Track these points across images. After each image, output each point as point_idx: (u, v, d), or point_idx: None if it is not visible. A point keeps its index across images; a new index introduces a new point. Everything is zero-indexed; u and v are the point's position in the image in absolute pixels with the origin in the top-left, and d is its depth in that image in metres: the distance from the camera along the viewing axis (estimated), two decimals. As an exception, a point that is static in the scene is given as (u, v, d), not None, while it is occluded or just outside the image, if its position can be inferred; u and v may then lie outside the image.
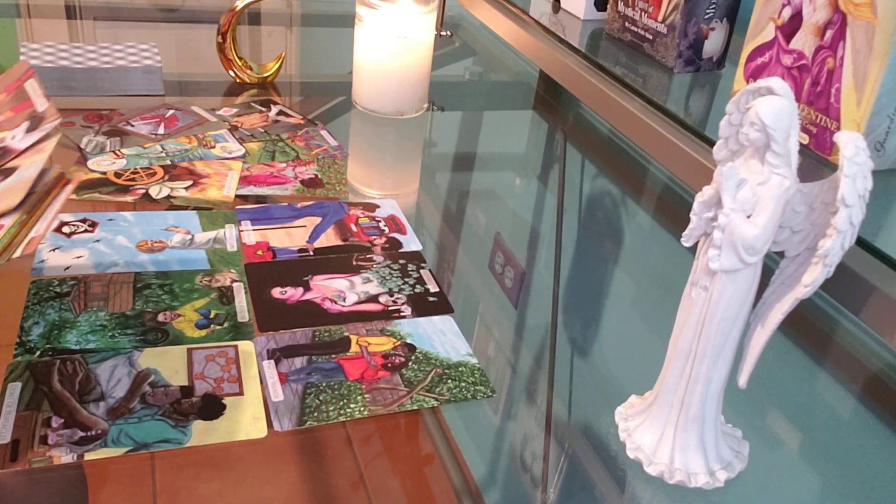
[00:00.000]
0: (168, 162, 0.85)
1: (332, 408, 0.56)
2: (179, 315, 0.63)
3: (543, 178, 0.97)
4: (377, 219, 0.80)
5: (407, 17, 0.95)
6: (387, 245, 0.76)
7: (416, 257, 0.74)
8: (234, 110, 0.99)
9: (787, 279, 0.49)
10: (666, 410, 0.52)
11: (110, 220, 0.74)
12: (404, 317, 0.66)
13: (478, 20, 1.24)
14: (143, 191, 0.79)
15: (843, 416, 0.63)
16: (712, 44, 0.93)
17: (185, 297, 0.65)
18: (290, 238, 0.75)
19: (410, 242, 0.76)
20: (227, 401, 0.55)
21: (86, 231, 0.72)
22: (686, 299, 0.50)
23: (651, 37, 0.95)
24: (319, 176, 0.86)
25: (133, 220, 0.74)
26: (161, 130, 0.91)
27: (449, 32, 1.30)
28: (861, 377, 0.66)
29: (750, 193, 0.46)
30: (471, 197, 0.91)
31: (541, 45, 1.02)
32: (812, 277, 0.46)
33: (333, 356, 0.61)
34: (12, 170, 0.61)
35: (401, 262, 0.73)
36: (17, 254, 0.55)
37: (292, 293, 0.67)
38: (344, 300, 0.67)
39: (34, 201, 0.59)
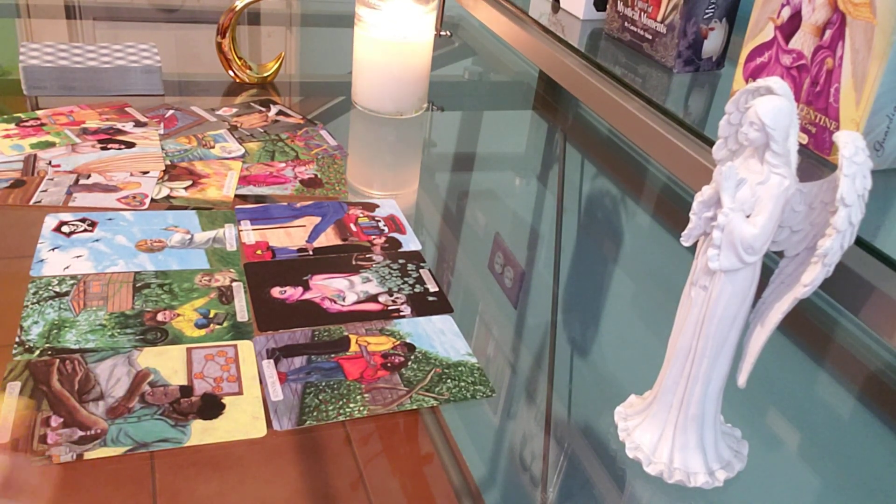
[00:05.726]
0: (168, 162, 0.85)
1: (331, 407, 0.56)
2: (179, 314, 0.63)
3: (543, 178, 0.97)
4: (377, 218, 0.80)
5: (407, 17, 0.95)
6: (386, 245, 0.76)
7: (416, 257, 0.74)
8: (234, 110, 0.99)
9: (787, 279, 0.49)
10: (665, 410, 0.52)
11: (110, 219, 0.74)
12: (404, 316, 0.66)
13: (477, 20, 1.23)
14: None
15: (842, 416, 0.63)
16: (711, 44, 0.93)
17: (184, 297, 0.65)
18: (289, 238, 0.75)
19: (410, 242, 0.76)
20: (226, 400, 0.55)
21: (85, 230, 0.72)
22: (685, 299, 0.50)
23: (650, 37, 0.95)
24: (319, 176, 0.86)
25: (132, 220, 0.74)
26: (161, 130, 0.91)
27: (448, 32, 1.30)
28: (860, 377, 0.66)
29: (749, 193, 0.46)
30: (470, 197, 0.91)
31: (540, 45, 1.02)
32: (811, 277, 0.46)
33: (333, 356, 0.61)
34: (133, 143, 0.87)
35: (400, 261, 0.73)
36: None
37: (292, 293, 0.67)
38: (343, 300, 0.67)
39: None
